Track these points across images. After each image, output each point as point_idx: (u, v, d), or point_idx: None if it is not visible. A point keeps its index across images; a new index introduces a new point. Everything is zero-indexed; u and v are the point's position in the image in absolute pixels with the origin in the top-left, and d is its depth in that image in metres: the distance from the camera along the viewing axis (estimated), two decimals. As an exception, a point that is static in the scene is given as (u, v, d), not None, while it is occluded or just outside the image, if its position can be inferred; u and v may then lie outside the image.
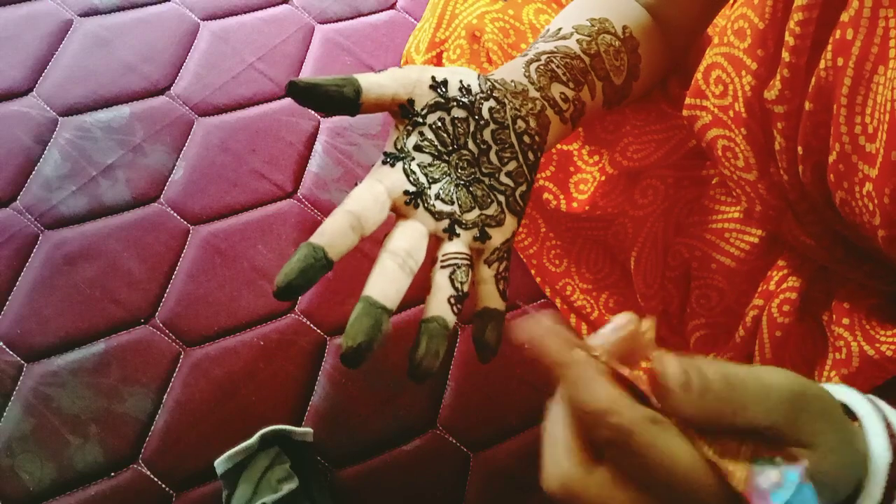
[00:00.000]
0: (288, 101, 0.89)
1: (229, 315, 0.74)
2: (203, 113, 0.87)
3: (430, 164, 0.43)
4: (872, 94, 0.42)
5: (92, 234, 0.77)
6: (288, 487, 0.63)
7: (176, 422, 0.68)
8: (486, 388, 0.73)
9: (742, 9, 0.49)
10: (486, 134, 0.44)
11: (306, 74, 0.92)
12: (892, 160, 0.41)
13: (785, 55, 0.46)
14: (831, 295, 0.57)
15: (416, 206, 0.42)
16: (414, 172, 0.42)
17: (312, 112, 0.89)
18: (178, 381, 0.70)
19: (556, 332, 0.32)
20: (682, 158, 0.62)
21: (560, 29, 0.53)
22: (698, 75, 0.54)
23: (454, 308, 0.41)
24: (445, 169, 0.43)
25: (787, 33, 0.45)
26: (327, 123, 0.88)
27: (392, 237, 0.41)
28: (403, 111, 0.43)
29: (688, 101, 0.56)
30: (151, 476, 0.66)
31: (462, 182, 0.43)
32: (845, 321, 0.53)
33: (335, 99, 0.40)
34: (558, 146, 0.66)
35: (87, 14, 0.93)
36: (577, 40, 0.52)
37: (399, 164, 0.42)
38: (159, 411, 0.68)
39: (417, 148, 0.43)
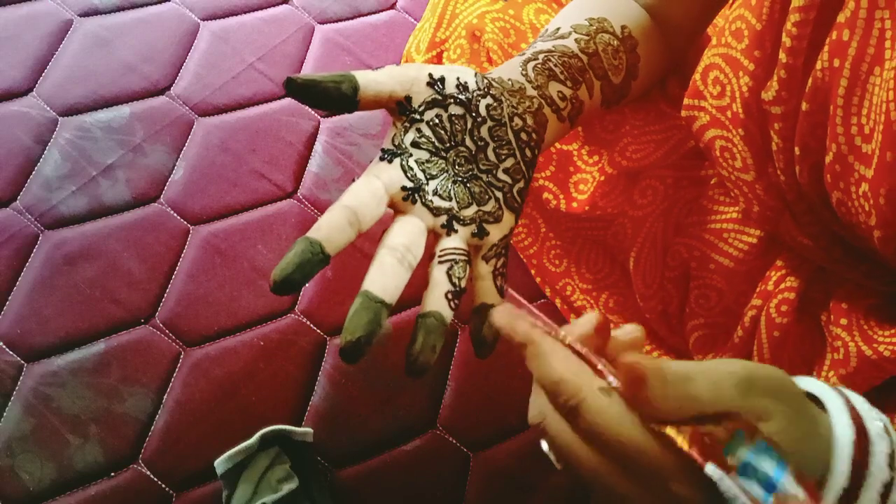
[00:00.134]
0: (288, 101, 0.89)
1: (229, 315, 0.74)
2: (203, 113, 0.87)
3: (427, 161, 0.43)
4: (868, 94, 0.43)
5: (92, 234, 0.77)
6: (288, 487, 0.63)
7: (176, 422, 0.68)
8: (486, 388, 0.73)
9: (740, 10, 0.49)
10: (484, 131, 0.44)
11: (306, 74, 0.92)
12: (888, 161, 0.41)
13: (782, 56, 0.46)
14: (829, 295, 0.57)
15: (414, 202, 0.42)
16: (411, 169, 0.42)
17: (312, 112, 0.89)
18: (178, 381, 0.70)
19: (524, 316, 0.36)
20: (681, 159, 0.62)
21: (558, 28, 0.53)
22: (696, 76, 0.54)
23: (451, 303, 0.41)
24: (443, 165, 0.43)
25: (784, 34, 0.45)
26: (327, 123, 0.88)
27: (390, 233, 0.41)
28: (401, 108, 0.43)
29: (686, 101, 0.56)
30: (151, 476, 0.66)
31: (460, 178, 0.44)
32: (843, 321, 0.53)
33: (332, 95, 0.41)
34: (558, 146, 0.66)
35: (87, 14, 0.93)
36: (576, 39, 0.52)
37: (396, 161, 0.42)
38: (159, 411, 0.68)
39: (415, 144, 0.43)
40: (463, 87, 0.44)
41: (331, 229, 0.38)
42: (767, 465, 0.29)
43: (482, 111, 0.44)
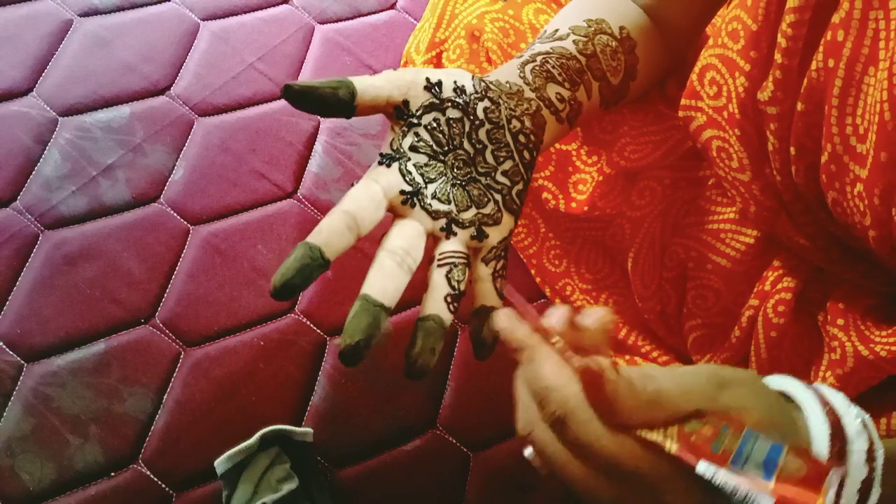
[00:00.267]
0: (288, 101, 0.89)
1: (229, 315, 0.74)
2: (203, 113, 0.87)
3: (426, 165, 0.43)
4: (863, 95, 0.43)
5: (92, 234, 0.77)
6: (288, 487, 0.63)
7: (176, 422, 0.68)
8: (486, 388, 0.73)
9: (736, 10, 0.49)
10: (482, 134, 0.44)
11: (306, 74, 0.92)
12: (882, 161, 0.41)
13: (777, 57, 0.46)
14: (827, 295, 0.57)
15: (413, 206, 0.42)
16: (410, 172, 0.42)
17: (312, 112, 0.88)
18: (178, 381, 0.70)
19: (520, 321, 0.36)
20: (679, 159, 0.62)
21: (557, 30, 0.53)
22: (693, 76, 0.54)
23: (451, 306, 0.41)
24: (441, 169, 0.43)
25: (779, 35, 0.45)
26: (327, 123, 0.88)
27: (389, 236, 0.41)
28: (398, 112, 0.43)
29: (683, 101, 0.56)
30: (151, 476, 0.66)
31: (458, 182, 0.44)
32: (840, 321, 0.53)
33: (330, 101, 0.41)
34: (557, 146, 0.66)
35: (87, 14, 0.93)
36: (574, 41, 0.53)
37: (395, 165, 0.42)
38: (159, 411, 0.68)
39: (413, 148, 0.43)
40: (460, 90, 0.44)
41: (330, 234, 0.39)
42: (761, 449, 0.29)
43: (480, 114, 0.44)
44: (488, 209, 0.44)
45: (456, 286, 0.42)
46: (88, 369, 0.69)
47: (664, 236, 0.63)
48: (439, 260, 0.42)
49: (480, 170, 0.44)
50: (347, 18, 0.99)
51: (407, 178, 0.42)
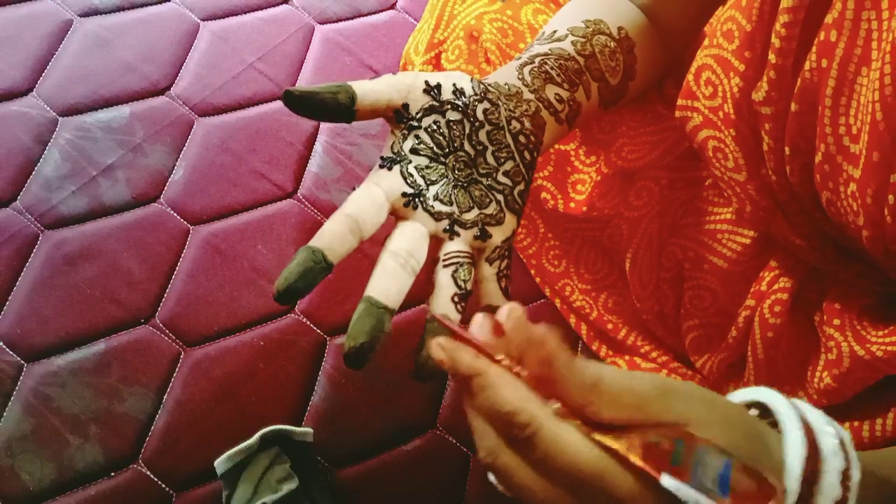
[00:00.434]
0: (288, 101, 0.89)
1: (229, 315, 0.74)
2: (203, 113, 0.87)
3: (427, 167, 0.43)
4: (856, 95, 0.43)
5: (92, 234, 0.77)
6: (288, 487, 0.63)
7: (176, 422, 0.68)
8: (486, 388, 0.73)
9: (731, 11, 0.50)
10: (482, 135, 0.44)
11: (306, 74, 0.92)
12: (874, 161, 0.42)
13: (771, 57, 0.46)
14: (823, 295, 0.57)
15: (415, 208, 0.42)
16: (411, 175, 0.42)
17: (312, 112, 0.88)
18: (178, 381, 0.70)
19: (460, 345, 0.34)
20: (676, 160, 0.62)
21: (555, 31, 0.54)
22: (689, 76, 0.54)
23: (458, 306, 0.41)
24: (443, 171, 0.43)
25: (773, 35, 0.46)
26: (327, 124, 0.88)
27: (392, 238, 0.41)
28: (398, 116, 0.43)
29: (679, 102, 0.56)
30: (151, 476, 0.66)
31: (460, 183, 0.44)
32: (836, 322, 0.53)
33: (330, 106, 0.41)
34: (556, 146, 0.66)
35: (87, 14, 0.93)
36: (572, 42, 0.53)
37: (396, 168, 0.42)
38: (159, 411, 0.68)
39: (414, 151, 0.43)
40: (460, 92, 0.44)
41: (332, 238, 0.39)
42: (714, 465, 0.29)
43: (479, 116, 0.44)
44: (490, 209, 0.44)
45: (462, 285, 0.42)
46: (88, 369, 0.69)
47: (661, 237, 0.63)
48: (444, 260, 0.42)
49: (481, 171, 0.44)
50: (347, 18, 0.99)
51: (408, 181, 0.42)
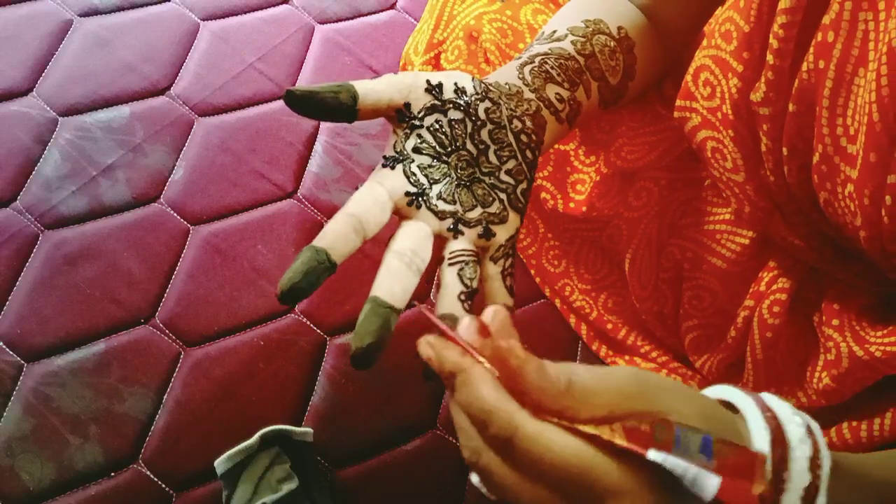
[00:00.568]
0: (288, 101, 0.89)
1: (229, 315, 0.74)
2: (203, 113, 0.87)
3: (429, 166, 0.43)
4: (853, 96, 0.43)
5: (92, 234, 0.77)
6: (288, 487, 0.63)
7: (176, 422, 0.68)
8: (486, 388, 0.73)
9: (729, 12, 0.50)
10: (484, 134, 0.44)
11: (306, 74, 0.92)
12: (871, 161, 0.42)
13: (769, 58, 0.46)
14: (822, 296, 0.57)
15: (419, 207, 0.42)
16: (414, 174, 0.43)
17: (312, 112, 0.88)
18: (178, 381, 0.70)
19: (448, 344, 0.34)
20: (675, 160, 0.62)
21: (555, 31, 0.54)
22: (688, 77, 0.55)
23: (465, 304, 0.41)
24: (445, 170, 0.43)
25: (771, 36, 0.46)
26: (327, 124, 0.88)
27: (396, 238, 0.41)
28: (400, 116, 0.43)
29: (678, 102, 0.56)
30: (151, 476, 0.66)
31: (463, 182, 0.44)
32: (835, 322, 0.53)
33: (331, 106, 0.41)
34: (555, 146, 0.66)
35: (87, 14, 0.93)
36: (572, 41, 0.53)
37: (399, 167, 0.42)
38: (159, 411, 0.68)
39: (416, 150, 0.43)
40: (461, 91, 0.44)
41: (336, 237, 0.39)
42: (695, 440, 0.29)
43: (481, 115, 0.44)
44: (494, 208, 0.44)
45: (469, 283, 0.42)
46: (88, 369, 0.69)
47: (661, 237, 0.63)
48: (450, 259, 0.42)
49: (484, 170, 0.44)
50: (347, 18, 0.99)
51: (411, 180, 0.42)
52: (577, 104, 0.51)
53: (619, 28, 0.55)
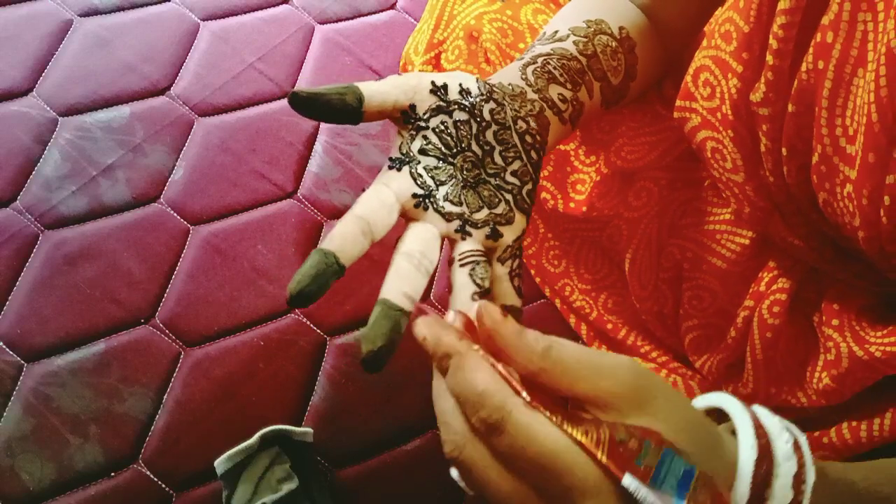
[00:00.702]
0: (288, 101, 0.89)
1: (229, 315, 0.74)
2: (203, 113, 0.87)
3: (435, 167, 0.43)
4: (852, 96, 0.43)
5: (92, 234, 0.77)
6: (288, 487, 0.63)
7: (176, 422, 0.68)
8: (486, 388, 0.73)
9: (729, 12, 0.50)
10: (489, 135, 0.44)
11: (306, 74, 0.92)
12: (870, 162, 0.42)
13: (769, 58, 0.46)
14: (822, 296, 0.57)
15: (426, 209, 0.42)
16: (421, 175, 0.42)
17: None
18: (178, 381, 0.70)
19: (446, 325, 0.35)
20: (675, 160, 0.62)
21: (556, 31, 0.54)
22: (688, 77, 0.54)
23: None
24: (451, 171, 0.43)
25: (770, 37, 0.46)
26: (327, 124, 0.88)
27: (404, 240, 0.41)
28: (405, 117, 0.43)
29: (678, 103, 0.56)
30: (151, 476, 0.66)
31: (468, 183, 0.44)
32: (835, 322, 0.53)
33: (337, 107, 0.41)
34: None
35: (87, 14, 0.93)
36: (574, 42, 0.53)
37: (405, 168, 0.42)
38: (159, 411, 0.68)
39: (422, 152, 0.43)
40: (466, 92, 0.44)
41: (344, 240, 0.38)
42: (676, 471, 0.29)
43: (486, 115, 0.44)
44: (500, 209, 0.44)
45: (481, 283, 0.42)
46: (88, 369, 0.69)
47: (660, 237, 0.63)
48: (460, 260, 0.42)
49: (489, 171, 0.44)
50: (347, 18, 0.99)
51: (418, 182, 0.42)
52: (580, 104, 0.51)
53: (621, 28, 0.55)
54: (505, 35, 0.66)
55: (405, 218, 0.43)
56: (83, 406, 0.68)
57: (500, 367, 0.33)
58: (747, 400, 0.59)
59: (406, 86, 0.43)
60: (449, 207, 0.43)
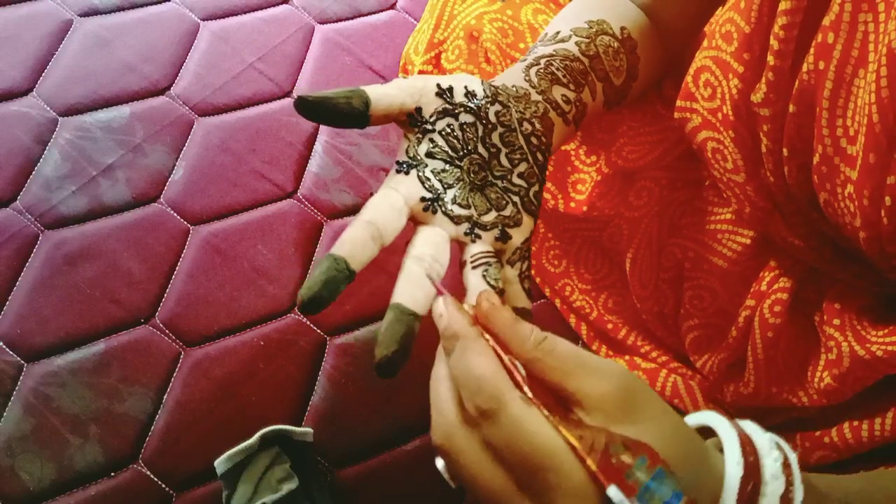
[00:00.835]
0: (288, 100, 0.89)
1: (229, 315, 0.74)
2: (203, 113, 0.87)
3: (443, 170, 0.43)
4: (853, 97, 0.43)
5: (92, 234, 0.77)
6: (288, 487, 0.63)
7: (176, 422, 0.68)
8: (486, 388, 0.73)
9: (729, 13, 0.50)
10: (495, 137, 0.44)
11: (306, 74, 0.92)
12: (871, 162, 0.42)
13: (770, 59, 0.46)
14: (823, 295, 0.57)
15: (435, 212, 0.42)
16: (428, 179, 0.42)
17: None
18: (178, 381, 0.70)
19: (462, 309, 0.36)
20: (675, 160, 0.62)
21: (558, 32, 0.54)
22: (688, 78, 0.54)
23: None
24: (458, 174, 0.43)
25: (771, 37, 0.46)
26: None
27: (415, 243, 0.41)
28: (412, 120, 0.43)
29: (678, 103, 0.56)
30: (151, 476, 0.66)
31: (476, 186, 0.44)
32: (836, 321, 0.53)
33: (344, 111, 0.40)
34: (556, 146, 0.66)
35: (87, 14, 0.93)
36: (576, 42, 0.53)
37: (413, 172, 0.42)
38: (159, 411, 0.68)
39: (429, 155, 0.43)
40: (471, 94, 0.44)
41: (354, 245, 0.38)
42: (664, 493, 0.29)
43: (492, 118, 0.44)
44: (508, 211, 0.44)
45: (494, 284, 0.42)
46: (88, 369, 0.69)
47: (661, 237, 0.63)
48: (472, 262, 0.42)
49: (496, 173, 0.44)
50: (347, 18, 0.99)
51: (426, 185, 0.42)
52: (583, 105, 0.51)
53: (622, 28, 0.55)
54: (505, 35, 0.66)
55: (413, 222, 0.42)
56: (83, 406, 0.68)
57: (506, 359, 0.33)
58: (749, 399, 0.59)
59: (412, 89, 0.43)
60: (457, 210, 0.42)
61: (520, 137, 0.45)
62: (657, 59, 0.60)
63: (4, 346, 0.70)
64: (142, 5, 0.95)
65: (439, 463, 0.35)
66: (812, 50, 0.44)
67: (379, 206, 0.40)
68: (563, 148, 0.67)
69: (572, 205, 0.67)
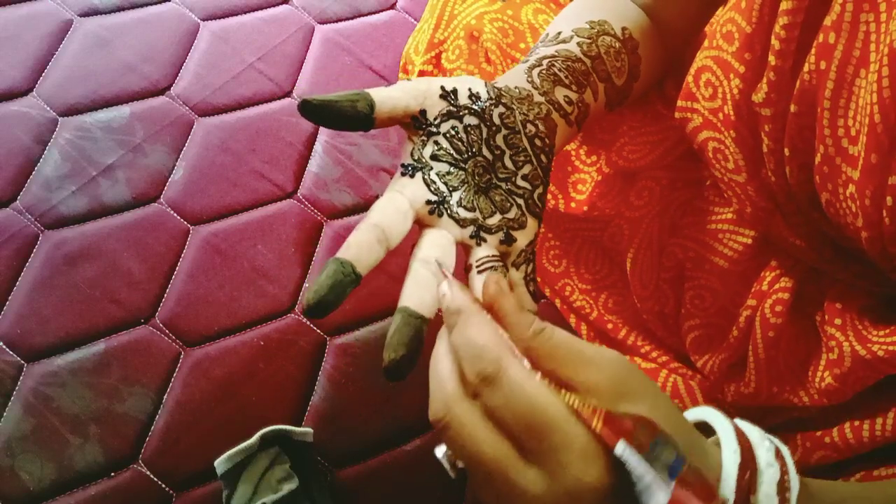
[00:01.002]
0: (288, 101, 0.89)
1: (229, 315, 0.74)
2: (203, 113, 0.87)
3: (447, 173, 0.43)
4: (854, 97, 0.43)
5: (92, 234, 0.77)
6: (288, 487, 0.63)
7: (176, 422, 0.68)
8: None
9: (730, 13, 0.50)
10: (499, 139, 0.44)
11: (306, 74, 0.92)
12: (872, 162, 0.42)
13: (771, 59, 0.46)
14: (824, 295, 0.57)
15: (440, 215, 0.42)
16: (434, 182, 0.42)
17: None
18: (178, 381, 0.70)
19: (465, 289, 0.37)
20: (676, 160, 0.62)
21: (560, 33, 0.53)
22: (689, 78, 0.54)
23: None
24: (463, 177, 0.43)
25: (772, 37, 0.46)
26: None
27: (421, 246, 0.41)
28: (416, 122, 0.43)
29: (679, 103, 0.56)
30: (151, 476, 0.66)
31: (480, 188, 0.44)
32: (837, 321, 0.53)
33: (349, 115, 0.40)
34: (557, 146, 0.66)
35: (87, 14, 0.93)
36: (578, 43, 0.52)
37: (418, 175, 0.42)
38: (159, 411, 0.68)
39: (434, 157, 0.43)
40: (475, 96, 0.44)
41: (360, 248, 0.38)
42: (668, 456, 0.29)
43: (496, 120, 0.44)
44: (512, 214, 0.44)
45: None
46: (88, 369, 0.69)
47: (662, 237, 0.63)
48: (478, 266, 0.42)
49: (500, 175, 0.44)
50: (347, 18, 0.99)
51: (431, 188, 0.42)
52: (585, 106, 0.51)
53: (624, 29, 0.55)
54: (506, 35, 0.66)
55: (419, 224, 0.42)
56: (83, 406, 0.68)
57: (505, 336, 0.34)
58: (749, 399, 0.59)
59: (416, 91, 0.43)
60: (463, 213, 0.42)
61: (524, 139, 0.45)
62: (658, 60, 0.59)
63: (4, 346, 0.69)
64: (142, 5, 0.95)
65: (439, 451, 0.35)
66: (813, 50, 0.44)
67: (385, 210, 0.40)
68: (564, 148, 0.67)
69: (573, 205, 0.67)
